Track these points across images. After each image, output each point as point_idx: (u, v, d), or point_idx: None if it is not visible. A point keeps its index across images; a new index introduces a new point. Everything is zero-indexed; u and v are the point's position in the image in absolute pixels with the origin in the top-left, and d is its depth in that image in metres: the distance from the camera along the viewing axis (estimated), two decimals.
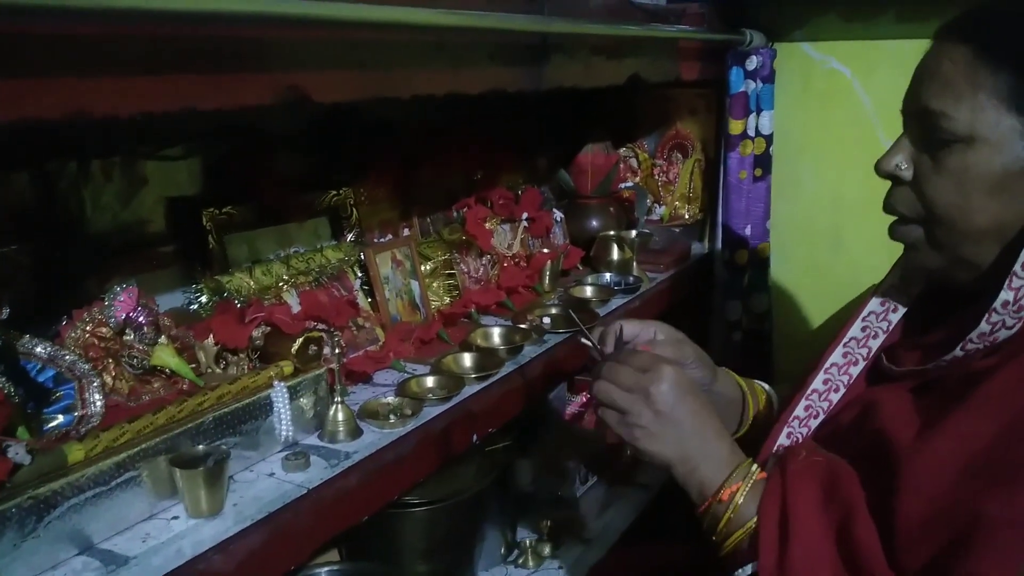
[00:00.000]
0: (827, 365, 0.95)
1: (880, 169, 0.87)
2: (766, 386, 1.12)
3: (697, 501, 0.83)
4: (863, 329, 0.95)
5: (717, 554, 0.82)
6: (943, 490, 0.70)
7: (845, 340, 0.95)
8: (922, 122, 0.82)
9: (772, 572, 0.75)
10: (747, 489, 0.81)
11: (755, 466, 0.83)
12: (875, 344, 0.94)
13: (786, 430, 0.92)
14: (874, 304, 0.96)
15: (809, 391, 0.94)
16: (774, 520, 0.77)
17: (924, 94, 0.81)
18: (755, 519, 0.79)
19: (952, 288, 0.86)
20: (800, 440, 0.92)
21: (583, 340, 0.95)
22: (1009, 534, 0.65)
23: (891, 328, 0.94)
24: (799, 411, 0.93)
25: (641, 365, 0.85)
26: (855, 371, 0.94)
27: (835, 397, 0.93)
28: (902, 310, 0.95)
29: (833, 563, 0.74)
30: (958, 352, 0.80)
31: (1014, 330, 0.76)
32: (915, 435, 0.75)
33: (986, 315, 0.77)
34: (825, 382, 0.94)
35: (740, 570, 0.80)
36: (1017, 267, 0.75)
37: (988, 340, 0.78)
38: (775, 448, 0.92)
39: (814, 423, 0.93)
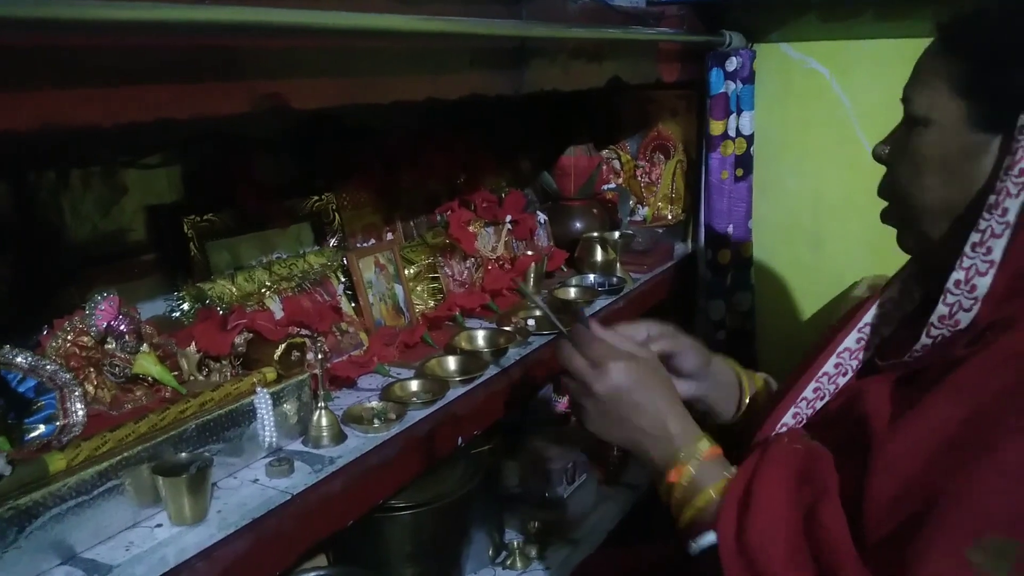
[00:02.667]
0: (819, 374, 0.96)
1: (873, 154, 0.92)
2: (764, 374, 1.14)
3: (655, 482, 0.87)
4: (857, 341, 0.96)
5: (676, 529, 0.85)
6: (913, 471, 0.71)
7: (839, 351, 0.96)
8: (904, 108, 0.87)
9: (730, 540, 0.77)
10: (695, 467, 0.84)
11: (705, 443, 0.85)
12: (865, 357, 0.96)
13: (792, 410, 0.94)
14: (870, 316, 0.97)
15: (820, 374, 0.95)
16: (738, 495, 0.80)
17: (907, 82, 0.86)
18: (710, 493, 0.82)
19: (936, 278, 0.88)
20: (804, 421, 0.94)
21: (548, 316, 1.00)
22: (962, 513, 0.66)
23: (881, 343, 0.96)
24: (807, 392, 0.94)
25: (593, 357, 0.88)
26: (842, 380, 0.95)
27: (837, 383, 0.96)
28: (894, 325, 0.96)
29: (792, 540, 0.75)
30: (925, 339, 0.82)
31: (972, 312, 0.78)
32: (892, 420, 0.77)
33: (942, 296, 0.80)
34: (836, 365, 0.95)
35: (694, 542, 0.81)
36: (967, 247, 0.78)
37: (949, 324, 0.80)
38: (778, 426, 0.93)
39: (819, 404, 0.95)
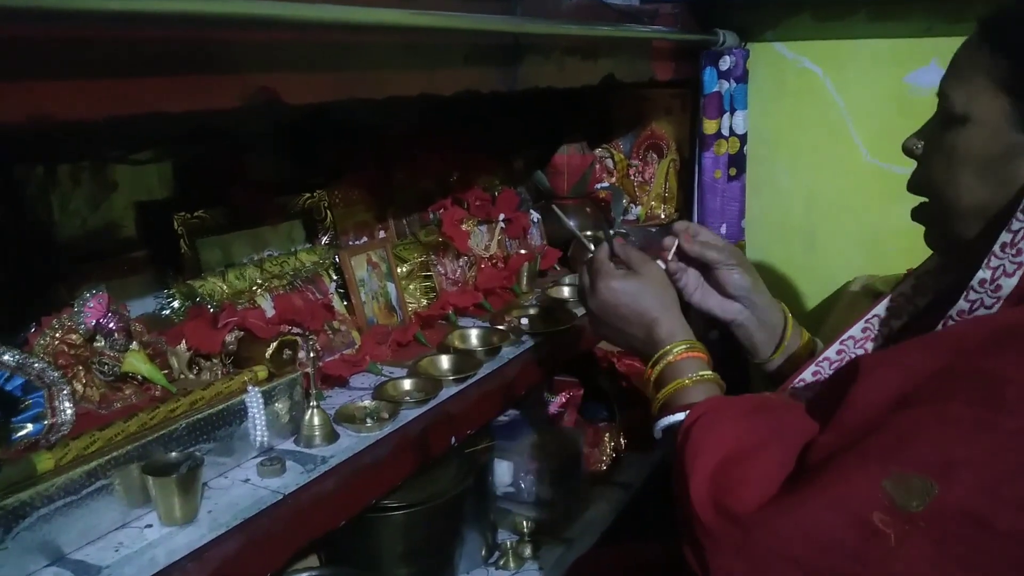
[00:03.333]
0: (820, 358, 0.97)
1: (903, 147, 0.90)
2: (814, 338, 1.16)
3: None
4: (863, 331, 0.96)
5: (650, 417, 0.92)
6: (873, 409, 0.71)
7: (843, 338, 0.96)
8: (939, 103, 0.85)
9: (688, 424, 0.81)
10: (672, 359, 0.91)
11: (685, 345, 0.92)
12: (872, 348, 0.96)
13: (813, 367, 0.96)
14: (880, 309, 0.97)
15: (821, 358, 0.96)
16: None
17: (944, 77, 0.84)
18: (684, 381, 0.88)
19: (955, 274, 0.88)
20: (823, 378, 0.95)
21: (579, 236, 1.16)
22: (892, 446, 0.66)
23: (890, 334, 0.96)
24: (831, 353, 0.96)
25: (594, 267, 1.00)
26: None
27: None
28: (905, 318, 0.96)
29: (737, 441, 0.77)
30: (939, 329, 0.81)
31: (993, 310, 0.77)
32: (875, 362, 0.76)
33: (965, 292, 0.78)
34: (839, 352, 0.96)
35: (659, 423, 0.89)
36: (996, 247, 0.77)
37: (966, 318, 0.79)
38: (797, 380, 0.96)
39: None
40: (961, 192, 0.82)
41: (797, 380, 0.95)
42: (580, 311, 1.47)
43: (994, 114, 0.78)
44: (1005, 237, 0.76)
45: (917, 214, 0.90)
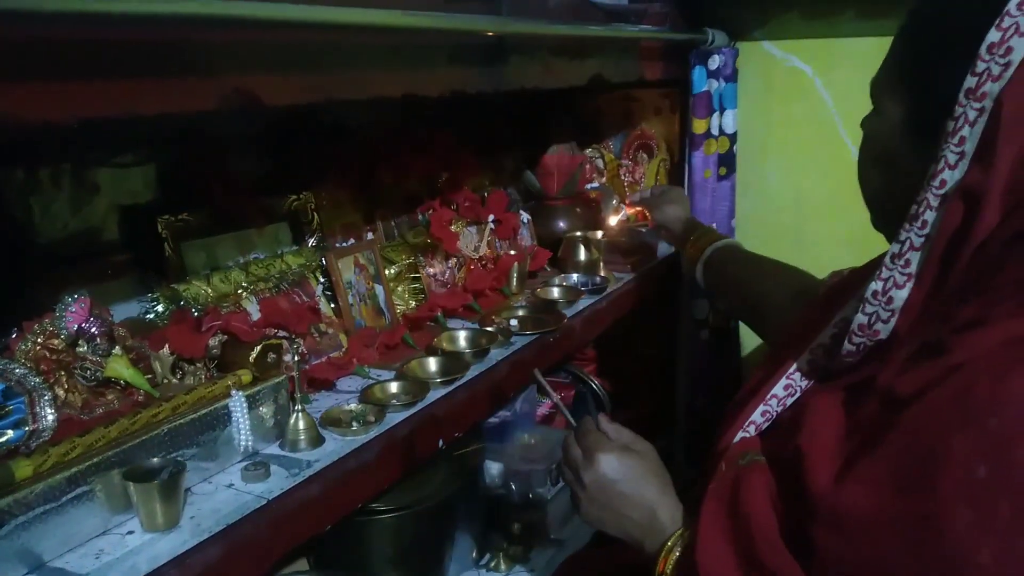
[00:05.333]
0: (769, 395, 0.92)
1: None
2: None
3: (650, 569, 0.87)
4: (808, 363, 0.91)
5: None
6: (855, 537, 0.68)
7: (790, 372, 0.91)
8: None
9: None
10: (680, 552, 0.84)
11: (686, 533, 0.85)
12: (811, 384, 0.91)
13: (762, 408, 0.91)
14: (824, 336, 0.91)
15: (769, 396, 0.91)
16: (686, 552, 0.82)
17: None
18: None
19: None
20: (774, 417, 0.91)
21: (560, 407, 1.04)
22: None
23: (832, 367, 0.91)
24: (778, 390, 0.91)
25: (586, 447, 0.92)
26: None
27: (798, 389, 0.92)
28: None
29: (734, 566, 0.76)
30: (848, 345, 0.79)
31: (890, 324, 0.75)
32: (834, 476, 0.71)
33: (861, 306, 0.77)
34: (786, 387, 0.91)
35: None
36: (887, 259, 0.76)
37: (869, 334, 0.77)
38: (746, 424, 0.91)
39: (789, 402, 0.91)
40: (866, 182, 0.85)
41: (747, 424, 0.90)
42: (569, 311, 1.47)
43: (895, 110, 0.79)
44: (894, 248, 0.75)
45: None
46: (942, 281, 0.72)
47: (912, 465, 0.65)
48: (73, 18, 0.55)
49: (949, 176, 0.71)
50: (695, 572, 0.77)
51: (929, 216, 0.72)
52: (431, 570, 1.31)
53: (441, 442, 1.08)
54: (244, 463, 0.90)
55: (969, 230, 0.70)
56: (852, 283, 0.93)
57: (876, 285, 0.76)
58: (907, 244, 0.74)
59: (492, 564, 1.42)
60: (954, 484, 0.61)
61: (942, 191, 0.71)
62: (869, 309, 0.77)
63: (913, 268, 0.74)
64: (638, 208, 1.64)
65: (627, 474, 0.89)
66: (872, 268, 0.83)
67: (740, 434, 0.90)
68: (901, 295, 0.75)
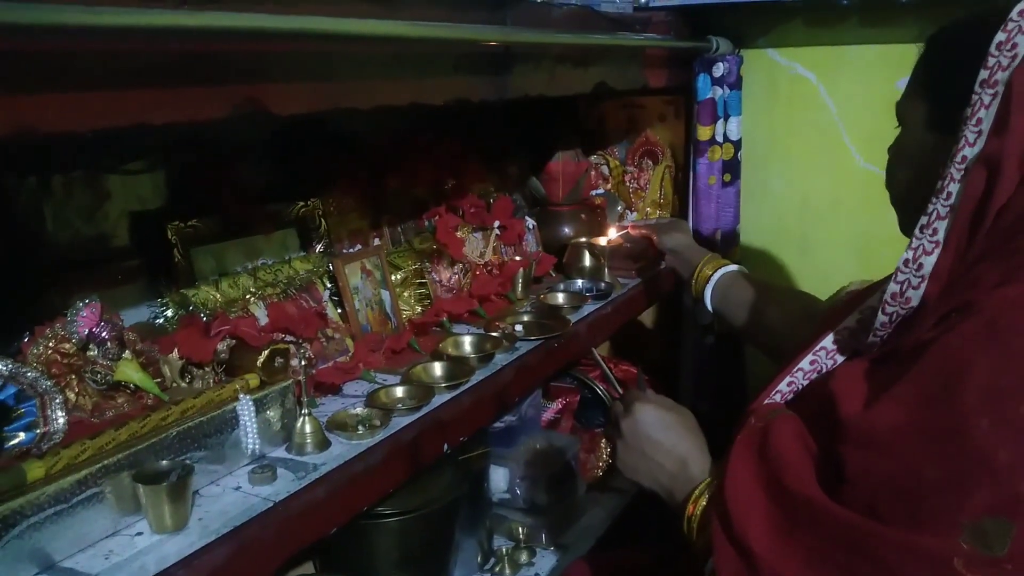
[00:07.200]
0: (794, 369, 0.98)
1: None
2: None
3: (677, 518, 0.93)
4: (835, 342, 0.98)
5: (698, 557, 0.89)
6: (884, 450, 0.73)
7: (815, 349, 0.97)
8: None
9: (720, 536, 0.81)
10: (708, 498, 0.90)
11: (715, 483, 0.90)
12: (840, 360, 0.97)
13: (788, 378, 0.98)
14: (851, 320, 0.98)
15: (795, 369, 0.98)
16: (716, 498, 0.86)
17: None
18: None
19: None
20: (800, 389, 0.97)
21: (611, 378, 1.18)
22: (946, 498, 0.67)
23: (859, 347, 0.97)
24: (804, 364, 0.98)
25: (627, 402, 1.01)
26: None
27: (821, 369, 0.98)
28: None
29: (768, 512, 0.79)
30: (882, 316, 0.85)
31: (920, 290, 0.81)
32: (864, 403, 0.78)
33: (893, 275, 0.83)
34: (811, 362, 0.98)
35: (706, 565, 0.86)
36: (916, 229, 0.82)
37: (901, 302, 0.83)
38: (772, 393, 0.97)
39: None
40: (894, 186, 0.95)
41: (773, 392, 0.97)
42: (574, 317, 1.48)
43: (917, 116, 0.89)
44: (922, 220, 0.81)
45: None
46: (968, 246, 0.79)
47: (938, 382, 0.71)
48: (87, 31, 0.56)
49: (969, 152, 0.78)
50: (724, 509, 0.82)
51: (953, 188, 0.79)
52: (436, 574, 1.32)
53: (446, 446, 1.09)
54: (251, 466, 0.92)
55: (991, 195, 0.77)
56: (872, 288, 1.01)
57: (907, 254, 0.82)
58: (934, 215, 0.80)
59: (497, 569, 1.43)
60: (976, 395, 0.68)
61: (964, 165, 0.78)
62: (900, 277, 0.82)
63: (940, 236, 0.80)
64: (643, 233, 1.66)
65: (662, 424, 0.97)
66: (889, 280, 0.89)
67: (767, 401, 0.97)
68: (930, 261, 0.80)
